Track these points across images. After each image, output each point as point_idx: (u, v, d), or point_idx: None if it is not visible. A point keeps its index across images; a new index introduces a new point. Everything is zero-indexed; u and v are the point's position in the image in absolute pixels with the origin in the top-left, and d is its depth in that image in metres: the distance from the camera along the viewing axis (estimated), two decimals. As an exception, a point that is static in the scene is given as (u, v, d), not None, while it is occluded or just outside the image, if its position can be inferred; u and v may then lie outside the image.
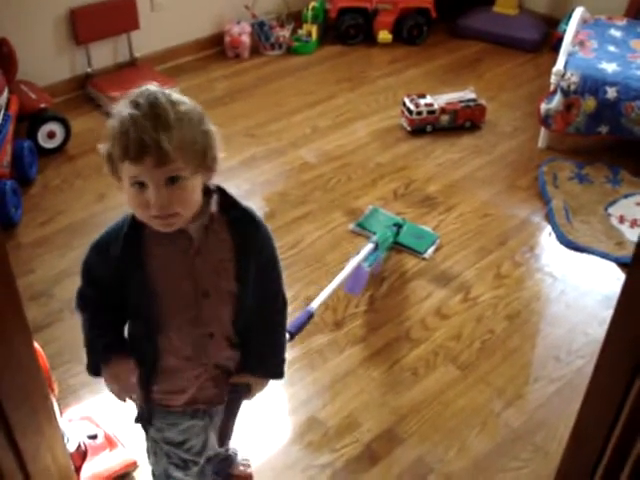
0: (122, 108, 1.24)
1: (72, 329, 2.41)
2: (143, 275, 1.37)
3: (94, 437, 2.05)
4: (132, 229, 1.36)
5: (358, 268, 2.48)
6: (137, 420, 1.59)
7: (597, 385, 1.09)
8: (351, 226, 2.95)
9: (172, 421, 1.56)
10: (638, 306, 0.91)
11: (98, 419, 2.12)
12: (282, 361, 1.61)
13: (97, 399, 2.21)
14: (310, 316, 2.26)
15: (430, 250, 2.83)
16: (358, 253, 2.54)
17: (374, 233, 2.75)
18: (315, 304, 2.32)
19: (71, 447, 1.95)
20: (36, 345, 1.34)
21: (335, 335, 2.47)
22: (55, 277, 2.64)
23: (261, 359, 1.55)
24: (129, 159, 1.22)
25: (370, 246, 2.57)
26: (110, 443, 2.05)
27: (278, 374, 1.60)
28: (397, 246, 2.83)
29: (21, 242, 2.83)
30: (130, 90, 1.28)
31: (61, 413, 2.01)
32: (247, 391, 1.57)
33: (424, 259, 2.80)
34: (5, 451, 1.08)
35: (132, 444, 2.04)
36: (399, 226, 2.82)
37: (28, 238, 2.85)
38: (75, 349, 2.36)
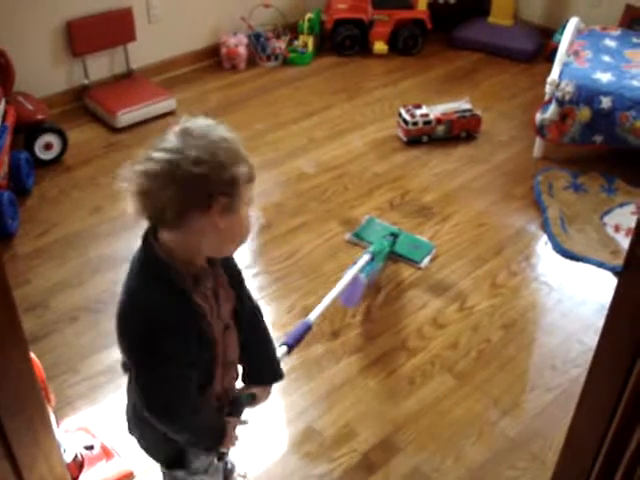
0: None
1: (68, 340, 2.42)
2: (204, 324, 1.36)
3: (91, 448, 2.04)
4: (174, 285, 1.30)
5: (355, 279, 2.47)
6: (174, 465, 1.58)
7: (590, 393, 1.09)
8: (347, 236, 2.96)
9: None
10: (629, 313, 0.91)
11: (95, 430, 2.12)
12: (279, 361, 1.70)
13: (93, 410, 2.21)
14: (308, 328, 2.22)
15: (426, 260, 2.84)
16: (355, 264, 2.54)
17: (370, 243, 2.75)
18: (313, 316, 2.28)
19: (68, 458, 1.95)
20: (32, 356, 1.34)
21: (332, 345, 2.48)
22: (51, 288, 2.63)
23: (263, 366, 1.62)
24: (252, 178, 1.29)
25: (366, 257, 2.56)
26: (106, 454, 2.05)
27: (281, 375, 1.67)
28: (393, 256, 2.84)
29: (17, 253, 2.83)
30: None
31: (58, 424, 2.01)
32: (250, 402, 1.61)
33: (420, 269, 2.81)
34: (1, 462, 1.08)
35: (128, 455, 2.04)
36: (395, 236, 2.82)
37: (24, 249, 2.85)
38: (71, 360, 2.37)
